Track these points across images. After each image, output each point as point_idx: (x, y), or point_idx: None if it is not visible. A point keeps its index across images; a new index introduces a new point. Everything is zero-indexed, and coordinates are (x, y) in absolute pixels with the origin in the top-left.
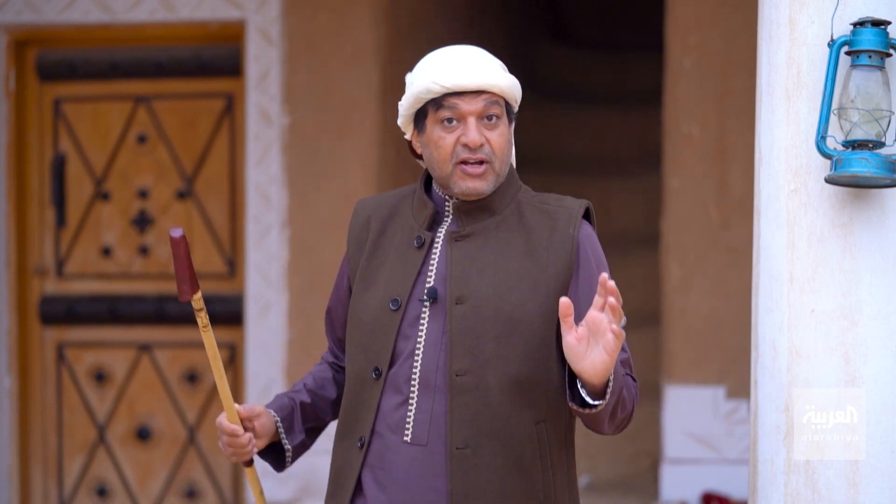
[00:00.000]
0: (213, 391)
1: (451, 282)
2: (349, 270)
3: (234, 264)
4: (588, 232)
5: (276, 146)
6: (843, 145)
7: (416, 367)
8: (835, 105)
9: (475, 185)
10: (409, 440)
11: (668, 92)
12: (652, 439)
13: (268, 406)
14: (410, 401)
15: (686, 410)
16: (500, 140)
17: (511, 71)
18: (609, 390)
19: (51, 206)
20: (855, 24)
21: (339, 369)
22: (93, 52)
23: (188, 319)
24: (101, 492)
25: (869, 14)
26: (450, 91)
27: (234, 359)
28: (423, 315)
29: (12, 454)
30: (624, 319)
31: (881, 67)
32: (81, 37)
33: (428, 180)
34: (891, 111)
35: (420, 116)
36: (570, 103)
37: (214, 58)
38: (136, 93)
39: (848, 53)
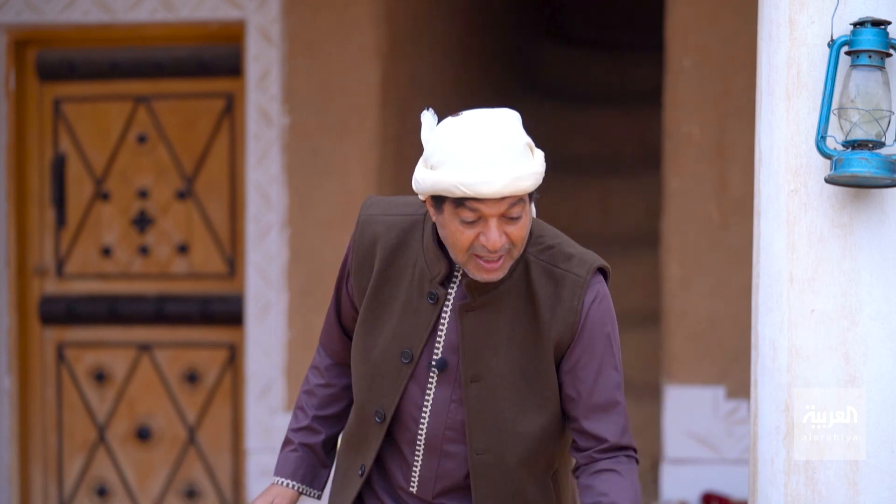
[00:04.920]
0: (213, 391)
1: (465, 359)
2: (353, 288)
3: (234, 264)
4: (593, 299)
5: (276, 146)
6: (843, 145)
7: (421, 431)
8: (835, 105)
9: (491, 276)
10: (414, 491)
11: (668, 92)
12: (652, 439)
13: (280, 472)
14: (416, 461)
15: (686, 410)
16: (521, 232)
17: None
18: None
19: (51, 206)
20: (855, 24)
21: (339, 371)
22: (93, 52)
23: (188, 319)
24: (101, 492)
25: (869, 14)
26: (473, 198)
27: (234, 359)
28: (430, 379)
29: (12, 454)
30: None
31: (881, 67)
32: (81, 37)
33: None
34: (891, 111)
35: (439, 197)
36: (570, 103)
37: (214, 58)
38: (136, 93)
39: (848, 53)
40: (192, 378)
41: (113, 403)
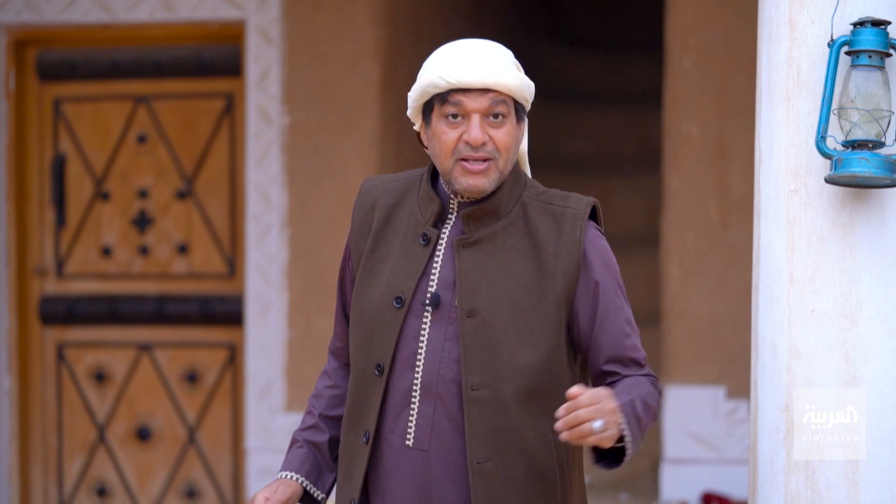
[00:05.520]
0: (213, 391)
1: (462, 294)
2: (354, 260)
3: (234, 264)
4: (594, 234)
5: (276, 146)
6: (843, 145)
7: (417, 374)
8: (835, 105)
9: (476, 181)
10: (410, 444)
11: (668, 92)
12: (652, 439)
13: (286, 467)
14: (412, 407)
15: (686, 410)
16: (505, 138)
17: None
18: (628, 441)
19: (51, 206)
20: (855, 24)
21: (347, 373)
22: (93, 52)
23: (188, 319)
24: (101, 492)
25: (869, 14)
26: (455, 87)
27: (234, 359)
28: (424, 320)
29: (12, 454)
30: (600, 423)
31: (881, 67)
32: (81, 37)
33: (435, 172)
34: (891, 111)
35: (427, 109)
36: (570, 103)
37: (214, 58)
38: (136, 93)
39: (848, 53)
40: (192, 378)
41: (113, 403)
